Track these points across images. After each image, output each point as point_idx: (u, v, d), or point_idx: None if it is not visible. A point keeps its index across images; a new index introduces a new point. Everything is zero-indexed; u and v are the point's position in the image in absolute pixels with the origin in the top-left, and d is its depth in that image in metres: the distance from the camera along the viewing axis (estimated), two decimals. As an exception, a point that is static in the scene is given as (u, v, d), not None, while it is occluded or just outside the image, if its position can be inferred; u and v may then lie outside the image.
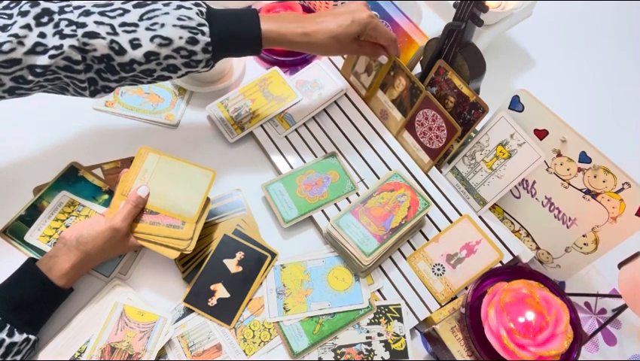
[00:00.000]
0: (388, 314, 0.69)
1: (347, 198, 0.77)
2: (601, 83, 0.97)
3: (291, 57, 0.90)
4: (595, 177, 0.64)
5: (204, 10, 0.63)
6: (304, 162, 0.80)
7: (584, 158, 0.64)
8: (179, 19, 0.61)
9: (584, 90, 0.96)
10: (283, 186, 0.77)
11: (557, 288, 0.63)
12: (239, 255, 0.72)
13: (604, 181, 0.63)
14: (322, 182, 0.78)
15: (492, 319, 0.59)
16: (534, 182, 0.71)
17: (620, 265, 0.66)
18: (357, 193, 0.78)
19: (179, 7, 0.62)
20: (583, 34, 1.03)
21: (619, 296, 0.70)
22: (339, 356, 0.66)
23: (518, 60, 0.99)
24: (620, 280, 0.65)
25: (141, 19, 0.60)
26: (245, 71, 0.90)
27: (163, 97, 0.86)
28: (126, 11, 0.60)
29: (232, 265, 0.71)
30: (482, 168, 0.73)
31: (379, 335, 0.68)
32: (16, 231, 0.71)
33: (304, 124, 0.84)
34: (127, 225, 0.64)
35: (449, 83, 0.73)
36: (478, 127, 0.73)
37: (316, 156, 0.81)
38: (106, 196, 0.75)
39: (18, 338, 0.58)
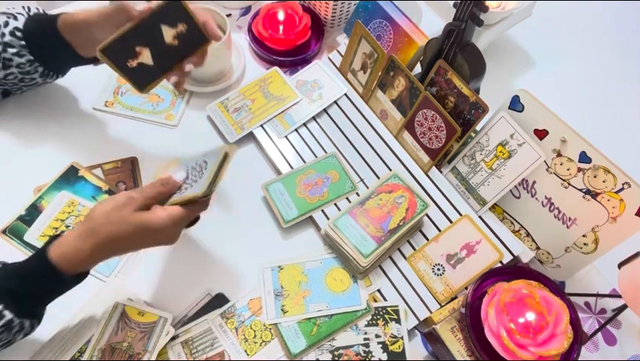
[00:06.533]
0: (386, 316, 0.69)
1: (347, 198, 0.77)
2: (601, 83, 0.97)
3: (291, 57, 0.90)
4: (595, 177, 0.64)
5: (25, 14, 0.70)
6: (304, 162, 0.80)
7: (584, 158, 0.64)
8: (7, 8, 0.68)
9: (584, 90, 0.96)
10: (283, 186, 0.77)
11: (557, 288, 0.63)
12: (181, 27, 0.63)
13: (604, 181, 0.63)
14: (322, 182, 0.78)
15: (492, 319, 0.59)
16: (534, 182, 0.71)
17: (620, 265, 0.66)
18: (357, 193, 0.78)
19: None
20: (583, 34, 1.03)
21: (619, 296, 0.70)
22: (336, 358, 0.66)
23: (518, 60, 0.99)
24: (620, 280, 0.65)
25: None
26: (245, 71, 0.90)
27: (163, 97, 0.86)
28: None
29: (169, 34, 0.63)
30: (482, 168, 0.73)
31: (377, 336, 0.68)
32: (16, 231, 0.71)
33: (304, 124, 0.84)
34: (143, 199, 0.57)
35: (449, 83, 0.73)
36: (478, 127, 0.73)
37: (316, 156, 0.81)
38: (106, 196, 0.75)
39: None
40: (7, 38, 0.68)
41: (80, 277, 0.59)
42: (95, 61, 0.72)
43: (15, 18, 0.69)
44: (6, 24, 0.68)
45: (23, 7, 0.70)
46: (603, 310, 0.74)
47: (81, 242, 0.56)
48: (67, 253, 0.56)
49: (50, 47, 0.69)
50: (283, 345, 0.66)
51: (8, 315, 0.54)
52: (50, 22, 0.68)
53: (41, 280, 0.56)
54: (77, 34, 0.68)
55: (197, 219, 0.67)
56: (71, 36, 0.68)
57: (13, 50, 0.68)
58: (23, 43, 0.68)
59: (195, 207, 0.61)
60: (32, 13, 0.70)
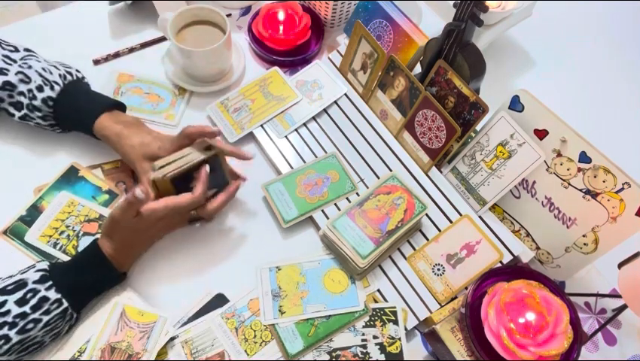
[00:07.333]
0: (384, 317, 0.69)
1: (347, 199, 0.77)
2: (602, 83, 0.97)
3: (291, 57, 0.90)
4: (595, 177, 0.64)
5: (69, 77, 0.74)
6: (304, 162, 0.80)
7: (584, 158, 0.64)
8: (43, 69, 0.72)
9: (584, 90, 0.96)
10: (283, 186, 0.77)
11: (557, 288, 0.63)
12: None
13: (604, 181, 0.63)
14: (322, 182, 0.78)
15: (492, 319, 0.59)
16: (534, 182, 0.71)
17: (620, 265, 0.66)
18: (357, 193, 0.78)
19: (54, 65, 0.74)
20: (583, 34, 1.03)
21: (619, 296, 0.70)
22: (334, 359, 0.66)
23: (518, 60, 0.99)
24: (620, 280, 0.65)
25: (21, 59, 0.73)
26: (245, 71, 0.90)
27: (163, 97, 0.86)
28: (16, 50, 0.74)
29: None
30: (482, 168, 0.73)
31: (375, 337, 0.68)
32: (16, 231, 0.71)
33: (304, 124, 0.84)
34: (120, 215, 0.63)
35: (449, 83, 0.73)
36: (478, 127, 0.73)
37: (316, 156, 0.81)
38: (106, 196, 0.75)
39: (53, 295, 0.59)
40: (38, 103, 0.71)
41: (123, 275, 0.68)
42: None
43: (52, 88, 0.71)
44: (40, 89, 0.71)
45: (60, 75, 0.73)
46: (603, 310, 0.74)
47: (110, 248, 0.66)
48: (111, 255, 0.65)
49: (77, 125, 0.75)
50: (280, 346, 0.66)
51: (65, 303, 0.61)
52: (87, 113, 0.72)
53: (98, 274, 0.65)
54: (106, 142, 0.73)
55: (198, 218, 0.73)
56: (101, 137, 0.73)
57: (40, 114, 0.72)
58: (51, 110, 0.72)
59: (174, 203, 0.66)
60: (67, 82, 0.73)
